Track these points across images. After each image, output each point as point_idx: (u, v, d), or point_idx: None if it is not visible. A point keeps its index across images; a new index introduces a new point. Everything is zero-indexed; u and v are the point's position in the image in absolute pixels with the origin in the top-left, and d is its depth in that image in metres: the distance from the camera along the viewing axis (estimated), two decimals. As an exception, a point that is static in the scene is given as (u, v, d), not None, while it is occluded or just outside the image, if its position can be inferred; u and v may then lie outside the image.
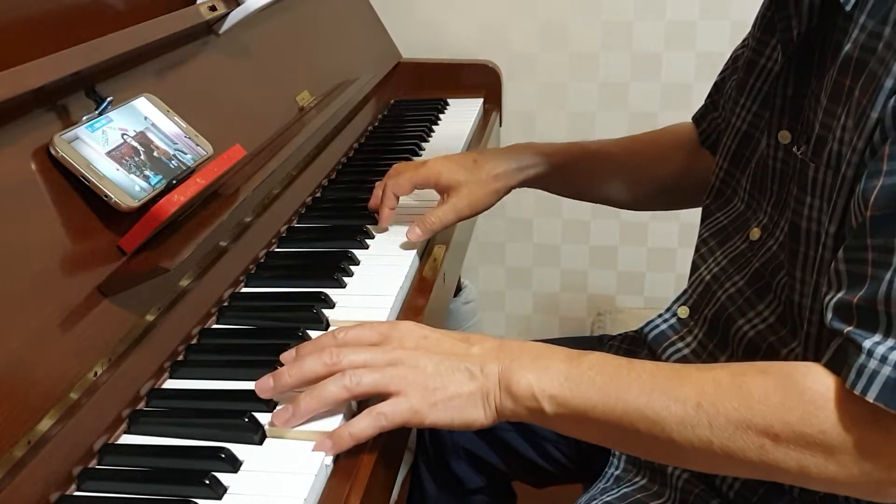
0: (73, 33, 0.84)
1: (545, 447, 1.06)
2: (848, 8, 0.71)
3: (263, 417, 0.72)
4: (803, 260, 0.76)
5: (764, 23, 0.85)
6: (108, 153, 0.80)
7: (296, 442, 0.69)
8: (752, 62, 0.87)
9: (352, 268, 0.97)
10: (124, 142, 0.83)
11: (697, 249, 0.94)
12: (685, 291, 0.94)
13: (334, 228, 1.08)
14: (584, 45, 1.80)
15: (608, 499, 0.90)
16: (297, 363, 0.72)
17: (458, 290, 1.89)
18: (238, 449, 0.68)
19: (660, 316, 0.96)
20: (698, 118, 1.09)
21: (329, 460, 0.68)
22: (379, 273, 0.96)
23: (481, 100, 1.66)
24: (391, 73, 1.67)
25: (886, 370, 0.59)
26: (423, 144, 1.41)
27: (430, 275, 1.00)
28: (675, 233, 1.91)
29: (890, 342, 0.60)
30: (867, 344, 0.61)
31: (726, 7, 1.72)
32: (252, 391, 0.74)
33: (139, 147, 0.84)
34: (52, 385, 0.67)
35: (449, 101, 1.63)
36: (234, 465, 0.67)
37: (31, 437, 0.63)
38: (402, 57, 1.74)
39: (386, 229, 1.07)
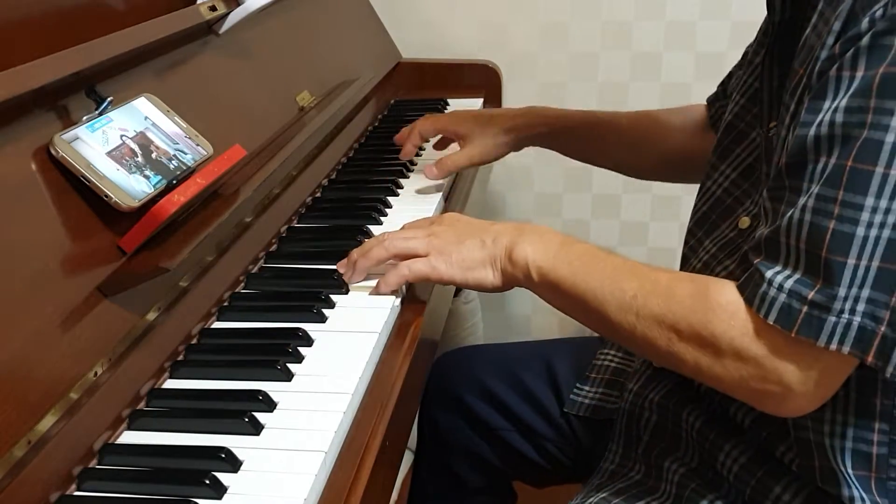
0: (73, 33, 0.84)
1: (545, 447, 1.06)
2: None
3: (264, 417, 0.72)
4: None
5: (764, 26, 0.89)
6: (109, 153, 0.80)
7: (295, 441, 0.69)
8: (749, 62, 0.92)
9: (352, 268, 0.97)
10: (124, 142, 0.83)
11: (686, 242, 0.96)
12: None
13: (334, 228, 1.08)
14: (584, 45, 1.80)
15: (603, 494, 0.90)
16: (362, 251, 0.92)
17: (458, 289, 1.89)
18: (238, 449, 0.68)
19: None
20: (711, 100, 1.14)
21: (330, 460, 0.68)
22: (379, 273, 0.96)
23: (481, 100, 1.66)
24: (391, 73, 1.67)
25: (782, 297, 0.69)
26: (424, 145, 1.40)
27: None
28: (676, 233, 1.91)
29: (787, 271, 0.70)
30: (769, 273, 0.70)
31: (726, 7, 1.72)
32: (252, 391, 0.74)
33: (139, 147, 0.84)
34: (52, 385, 0.67)
35: (449, 101, 1.63)
36: (234, 465, 0.67)
37: (31, 437, 0.63)
38: (402, 57, 1.74)
39: (412, 167, 1.25)
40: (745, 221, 0.87)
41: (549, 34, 1.80)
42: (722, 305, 0.73)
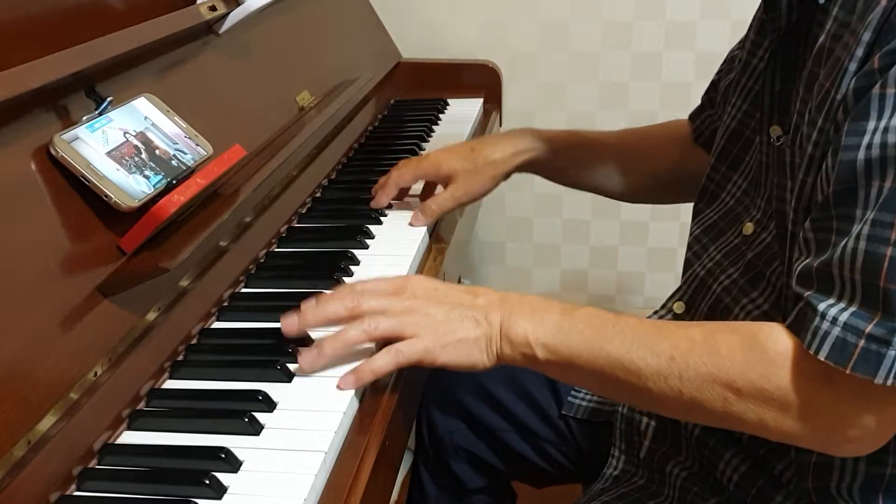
0: (73, 33, 0.84)
1: (544, 447, 1.06)
2: (822, 1, 0.74)
3: (264, 417, 0.72)
4: (791, 242, 0.77)
5: (758, 25, 0.87)
6: (109, 153, 0.80)
7: (295, 441, 0.69)
8: (746, 63, 0.89)
9: (352, 268, 0.97)
10: (124, 142, 0.83)
11: (690, 248, 0.95)
12: (680, 288, 0.95)
13: (334, 228, 1.08)
14: (584, 45, 1.80)
15: (606, 498, 0.90)
16: (320, 305, 0.79)
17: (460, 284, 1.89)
18: (238, 449, 0.68)
19: (655, 312, 0.96)
20: (693, 115, 1.11)
21: (330, 460, 0.68)
22: (379, 273, 0.96)
23: (481, 100, 1.66)
24: (391, 73, 1.67)
25: (835, 331, 0.64)
26: (423, 144, 1.41)
27: (430, 274, 1.00)
28: (676, 233, 1.91)
29: (842, 304, 0.65)
30: (822, 307, 0.65)
31: (726, 7, 1.72)
32: (252, 391, 0.74)
33: (139, 147, 0.84)
34: (52, 385, 0.67)
35: (449, 101, 1.63)
36: (234, 465, 0.67)
37: (31, 437, 0.63)
38: (402, 57, 1.74)
39: (386, 210, 1.13)
40: (748, 227, 0.86)
41: (549, 34, 1.80)
42: (781, 353, 0.67)
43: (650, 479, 0.91)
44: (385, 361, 0.76)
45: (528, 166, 1.13)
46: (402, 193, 1.14)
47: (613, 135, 1.17)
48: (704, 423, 0.79)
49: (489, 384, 1.08)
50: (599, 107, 1.85)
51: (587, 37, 1.79)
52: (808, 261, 0.68)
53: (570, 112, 1.86)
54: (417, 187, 1.15)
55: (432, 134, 1.47)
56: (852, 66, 0.67)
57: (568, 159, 1.14)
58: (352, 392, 0.75)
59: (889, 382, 0.63)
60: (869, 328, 0.63)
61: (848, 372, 0.63)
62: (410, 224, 1.08)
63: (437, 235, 1.11)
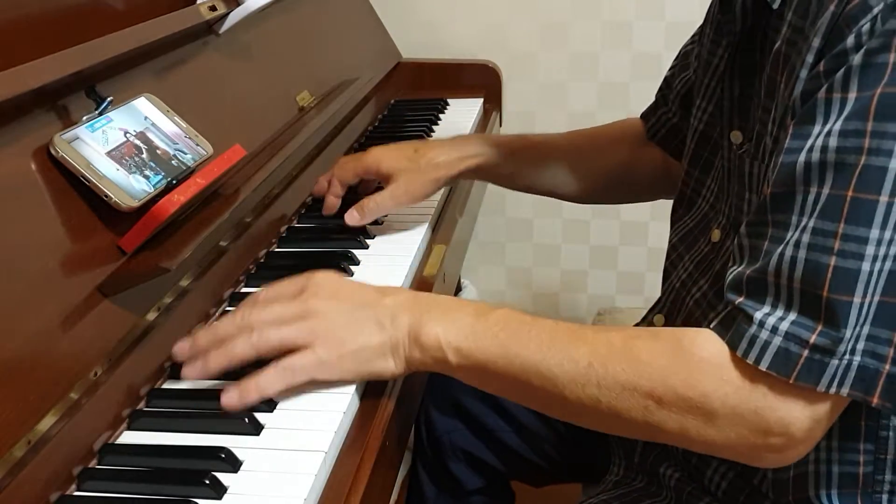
0: (73, 33, 0.84)
1: (543, 447, 1.06)
2: (775, 6, 0.73)
3: (264, 417, 0.72)
4: None
5: (715, 24, 0.86)
6: (109, 153, 0.80)
7: (295, 441, 0.69)
8: (706, 62, 0.88)
9: (352, 268, 0.97)
10: (124, 142, 0.83)
11: (668, 256, 0.94)
12: (659, 300, 0.94)
13: (334, 228, 1.08)
14: (584, 45, 1.80)
15: (605, 497, 0.90)
16: (211, 327, 0.74)
17: (458, 289, 1.89)
18: (238, 449, 0.68)
19: (636, 325, 0.96)
20: (647, 113, 1.10)
21: (330, 460, 0.68)
22: (379, 273, 0.96)
23: (481, 100, 1.66)
24: (391, 73, 1.67)
25: (777, 340, 0.62)
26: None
27: (430, 274, 1.00)
28: (675, 233, 1.91)
29: (779, 313, 0.63)
30: (758, 315, 0.63)
31: (726, 7, 1.72)
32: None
33: (139, 147, 0.84)
34: (52, 385, 0.67)
35: (449, 101, 1.63)
36: (234, 465, 0.67)
37: (31, 437, 0.63)
38: (402, 57, 1.74)
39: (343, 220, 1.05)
40: (716, 234, 0.85)
41: (549, 34, 1.80)
42: (706, 359, 0.65)
43: (649, 482, 0.91)
44: (273, 379, 0.70)
45: (476, 172, 1.09)
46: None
47: (561, 136, 1.15)
48: (625, 434, 0.77)
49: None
50: (599, 107, 1.85)
51: (587, 37, 1.79)
52: (740, 268, 0.66)
53: (570, 112, 1.86)
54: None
55: (432, 134, 1.47)
56: (804, 73, 0.65)
57: (516, 164, 1.10)
58: (352, 392, 0.75)
59: (832, 391, 0.62)
60: (813, 338, 0.62)
61: (791, 381, 0.62)
62: (345, 220, 1.03)
63: (437, 235, 1.11)
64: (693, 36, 1.01)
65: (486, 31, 1.82)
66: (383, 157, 1.06)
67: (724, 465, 0.82)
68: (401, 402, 0.78)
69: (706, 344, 0.66)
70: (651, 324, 0.94)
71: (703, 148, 0.90)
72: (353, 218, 1.03)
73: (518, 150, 1.10)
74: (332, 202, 1.08)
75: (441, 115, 1.56)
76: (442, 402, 1.09)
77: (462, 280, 1.92)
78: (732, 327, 0.65)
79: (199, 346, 0.74)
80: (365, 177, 1.08)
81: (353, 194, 1.10)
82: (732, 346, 0.64)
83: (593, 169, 1.13)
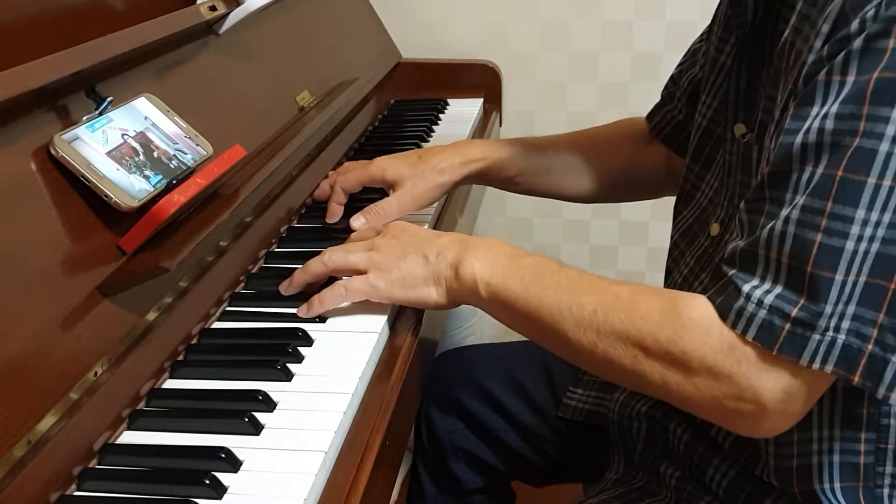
0: (73, 33, 0.84)
1: (543, 447, 1.06)
2: None
3: (263, 417, 0.72)
4: None
5: (724, 21, 0.86)
6: (108, 153, 0.80)
7: (295, 441, 0.69)
8: (714, 59, 0.88)
9: (352, 268, 0.97)
10: (124, 142, 0.83)
11: (670, 253, 0.95)
12: None
13: (334, 228, 1.08)
14: (584, 45, 1.80)
15: (605, 497, 0.90)
16: (304, 266, 0.88)
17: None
18: (238, 449, 0.68)
19: None
20: (653, 112, 1.10)
21: (330, 460, 0.68)
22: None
23: (481, 100, 1.66)
24: (391, 73, 1.67)
25: (762, 313, 0.65)
26: (423, 144, 1.40)
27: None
28: (675, 233, 1.91)
29: (766, 286, 0.66)
30: (746, 288, 0.67)
31: (726, 7, 1.72)
32: (252, 391, 0.74)
33: (139, 147, 0.84)
34: (52, 385, 0.67)
35: (449, 101, 1.63)
36: (234, 465, 0.67)
37: (31, 437, 0.63)
38: (402, 57, 1.74)
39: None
40: (715, 228, 0.86)
41: (549, 34, 1.80)
42: (694, 320, 0.68)
43: (649, 481, 0.91)
44: (331, 294, 0.84)
45: (480, 176, 1.10)
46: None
47: (563, 138, 1.16)
48: (615, 380, 0.82)
49: (488, 384, 1.08)
50: (599, 107, 1.85)
51: (587, 37, 1.79)
52: (737, 241, 0.69)
53: (569, 112, 1.86)
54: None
55: (432, 134, 1.47)
56: (810, 58, 0.67)
57: (519, 167, 1.11)
58: (351, 392, 0.75)
59: (815, 366, 0.64)
60: (794, 311, 0.64)
61: (774, 353, 0.65)
62: (350, 224, 1.04)
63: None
64: (702, 34, 1.01)
65: (486, 31, 1.82)
66: (388, 165, 1.08)
67: (726, 463, 0.82)
68: (400, 402, 0.78)
69: (698, 307, 0.69)
70: None
71: (706, 143, 0.91)
72: (358, 222, 1.04)
73: (520, 155, 1.11)
74: (336, 209, 1.09)
75: (441, 116, 1.56)
76: (442, 401, 1.09)
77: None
78: (723, 296, 0.68)
79: (299, 281, 0.88)
80: (369, 185, 1.09)
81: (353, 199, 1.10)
82: (722, 316, 0.68)
83: (597, 170, 1.13)
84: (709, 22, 0.97)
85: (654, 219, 1.91)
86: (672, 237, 0.95)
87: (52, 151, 0.76)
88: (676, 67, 1.06)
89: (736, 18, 0.82)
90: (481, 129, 1.56)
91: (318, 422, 0.71)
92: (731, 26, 0.84)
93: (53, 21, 0.88)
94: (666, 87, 1.08)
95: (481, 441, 1.08)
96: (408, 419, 0.86)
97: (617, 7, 1.76)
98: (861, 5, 0.63)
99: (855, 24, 0.63)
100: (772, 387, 0.66)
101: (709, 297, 0.69)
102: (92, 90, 0.84)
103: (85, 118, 0.81)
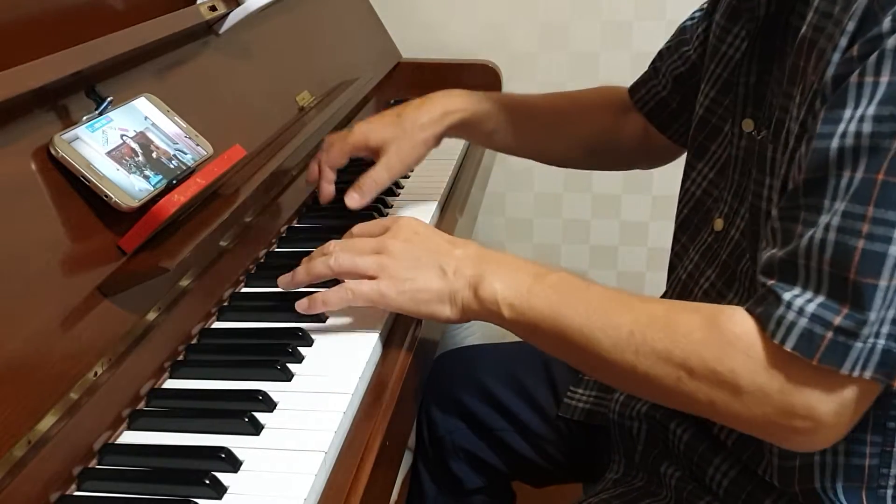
0: (73, 33, 0.84)
1: (543, 447, 1.06)
2: None
3: (263, 417, 0.72)
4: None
5: (729, 10, 0.86)
6: (108, 153, 0.80)
7: (295, 441, 0.69)
8: (714, 48, 0.87)
9: (352, 268, 0.97)
10: (124, 142, 0.83)
11: (673, 248, 0.95)
12: (666, 292, 0.95)
13: (334, 228, 1.08)
14: (584, 45, 1.80)
15: (605, 496, 0.90)
16: (307, 262, 0.84)
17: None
18: (238, 449, 0.68)
19: None
20: (637, 85, 1.10)
21: (330, 460, 0.68)
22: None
23: (481, 100, 1.66)
24: (391, 73, 1.67)
25: (803, 322, 0.63)
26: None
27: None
28: (675, 233, 1.91)
29: (808, 295, 0.64)
30: (787, 296, 0.64)
31: (726, 7, 1.72)
32: (252, 391, 0.74)
33: (139, 147, 0.85)
34: (52, 385, 0.67)
35: (449, 101, 1.63)
36: (234, 465, 0.67)
37: (31, 437, 0.63)
38: (402, 57, 1.74)
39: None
40: (719, 223, 0.85)
41: (549, 34, 1.80)
42: (738, 336, 0.66)
43: (649, 481, 0.91)
44: (336, 296, 0.80)
45: (459, 129, 1.08)
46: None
47: (545, 97, 1.15)
48: (656, 400, 0.79)
49: (489, 383, 1.08)
50: (599, 107, 1.84)
51: (587, 37, 1.79)
52: (773, 250, 0.68)
53: (570, 112, 1.86)
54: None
55: (432, 134, 1.47)
56: (836, 57, 0.65)
57: (498, 122, 1.09)
58: (352, 392, 0.75)
59: (856, 374, 0.63)
60: (838, 320, 0.62)
61: (815, 363, 0.63)
62: (346, 203, 1.02)
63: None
64: (693, 13, 1.01)
65: (486, 31, 1.82)
66: (369, 130, 1.06)
67: (727, 462, 0.82)
68: (401, 402, 0.78)
69: (741, 322, 0.67)
70: None
71: (700, 132, 0.91)
72: (353, 200, 1.03)
73: (500, 109, 1.09)
74: (328, 190, 1.07)
75: (441, 115, 1.56)
76: (443, 401, 1.09)
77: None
78: (763, 306, 0.66)
79: (299, 279, 0.84)
80: (354, 155, 1.07)
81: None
82: (763, 327, 0.65)
83: (573, 134, 1.13)
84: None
85: (654, 219, 1.91)
86: (675, 233, 0.95)
87: (52, 151, 0.76)
88: (665, 44, 1.06)
89: (747, 12, 0.81)
90: (481, 129, 1.55)
91: (318, 422, 0.71)
92: (736, 17, 0.83)
93: (53, 21, 0.88)
94: (653, 62, 1.08)
95: (482, 441, 1.08)
96: (408, 419, 0.86)
97: (617, 7, 1.76)
98: (891, 2, 0.61)
99: (887, 23, 0.61)
100: (824, 399, 0.64)
101: (748, 309, 0.67)
102: (92, 90, 0.84)
103: (85, 118, 0.81)
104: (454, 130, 1.08)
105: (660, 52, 1.07)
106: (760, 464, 0.79)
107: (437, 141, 1.08)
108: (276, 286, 0.94)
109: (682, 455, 0.87)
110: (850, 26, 0.64)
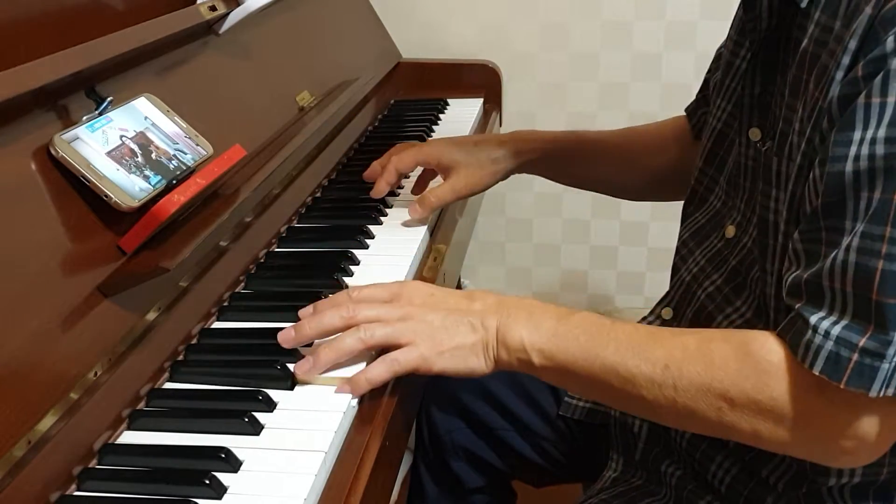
0: (73, 33, 0.84)
1: (544, 447, 1.06)
2: (803, 5, 0.74)
3: (264, 417, 0.72)
4: (773, 252, 0.77)
5: (739, 25, 0.87)
6: (108, 153, 0.80)
7: (295, 441, 0.69)
8: (728, 63, 0.89)
9: (352, 268, 0.97)
10: (124, 142, 0.83)
11: (678, 251, 0.95)
12: (668, 293, 0.95)
13: (334, 228, 1.08)
14: (584, 45, 1.80)
15: (605, 496, 0.90)
16: (316, 317, 0.78)
17: (458, 289, 1.89)
18: (238, 449, 0.68)
19: (644, 319, 0.96)
20: (690, 111, 1.11)
21: (330, 460, 0.68)
22: (379, 273, 0.96)
23: (481, 100, 1.66)
24: (391, 73, 1.67)
25: (829, 345, 0.63)
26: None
27: (430, 275, 1.00)
28: (676, 233, 1.90)
29: (834, 317, 0.64)
30: (813, 319, 0.65)
31: (726, 7, 1.71)
32: (253, 391, 0.74)
33: (139, 147, 0.85)
34: (52, 385, 0.67)
35: (449, 101, 1.63)
36: (234, 465, 0.67)
37: (31, 437, 0.63)
38: (402, 57, 1.74)
39: (386, 203, 1.13)
40: (730, 230, 0.86)
41: (549, 34, 1.80)
42: (774, 364, 0.67)
43: (648, 480, 0.91)
44: (380, 370, 0.76)
45: (530, 167, 1.13)
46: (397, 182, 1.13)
47: (614, 133, 1.18)
48: (699, 431, 0.78)
49: (489, 383, 1.08)
50: (599, 107, 1.85)
51: (587, 37, 1.79)
52: (797, 272, 0.68)
53: (569, 112, 1.86)
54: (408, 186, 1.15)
55: (432, 134, 1.47)
56: (839, 75, 0.66)
57: (569, 161, 1.14)
58: (352, 392, 0.75)
59: (883, 394, 0.62)
60: (862, 342, 0.62)
61: (842, 386, 0.63)
62: (410, 216, 1.07)
63: (437, 235, 1.11)
64: (727, 38, 1.02)
65: (486, 31, 1.82)
66: (444, 149, 1.09)
67: (728, 460, 0.83)
68: (401, 402, 0.78)
69: (772, 348, 0.67)
70: (659, 316, 0.94)
71: (719, 146, 0.91)
72: (416, 212, 1.07)
73: (571, 149, 1.14)
74: (383, 188, 1.10)
75: (441, 116, 1.56)
76: (443, 400, 1.09)
77: (462, 280, 1.92)
78: (792, 331, 0.66)
79: (304, 336, 0.78)
80: (424, 166, 1.12)
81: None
82: (793, 351, 0.66)
83: (643, 168, 1.15)
84: (710, 21, 0.98)
85: (654, 219, 1.91)
86: (681, 236, 0.95)
87: (52, 151, 0.76)
88: (707, 72, 1.07)
89: (749, 23, 0.82)
90: (481, 130, 1.56)
91: (318, 422, 0.71)
92: (744, 30, 0.84)
93: (53, 21, 0.88)
94: (700, 90, 1.09)
95: (482, 440, 1.08)
96: (408, 419, 0.86)
97: (617, 7, 1.76)
98: (892, 22, 0.62)
99: (890, 43, 0.62)
100: (865, 418, 0.64)
101: (778, 335, 0.68)
102: (92, 90, 0.84)
103: (85, 118, 0.81)
104: (525, 168, 1.13)
105: (705, 80, 1.07)
106: (765, 467, 0.79)
107: (506, 176, 1.12)
108: (276, 286, 0.94)
109: (683, 453, 0.87)
110: (853, 44, 0.65)
